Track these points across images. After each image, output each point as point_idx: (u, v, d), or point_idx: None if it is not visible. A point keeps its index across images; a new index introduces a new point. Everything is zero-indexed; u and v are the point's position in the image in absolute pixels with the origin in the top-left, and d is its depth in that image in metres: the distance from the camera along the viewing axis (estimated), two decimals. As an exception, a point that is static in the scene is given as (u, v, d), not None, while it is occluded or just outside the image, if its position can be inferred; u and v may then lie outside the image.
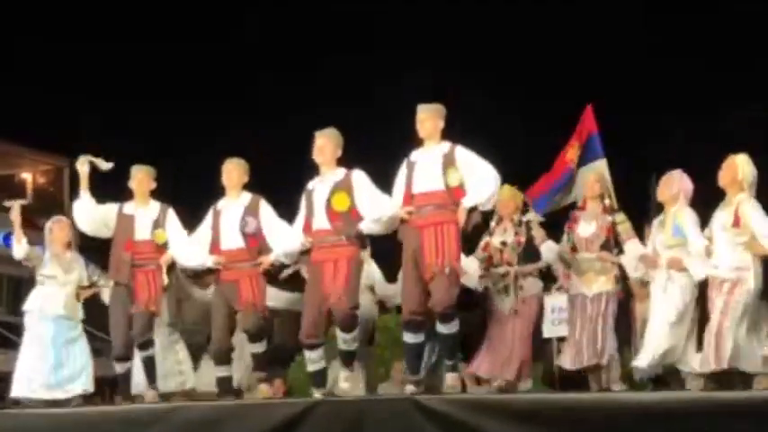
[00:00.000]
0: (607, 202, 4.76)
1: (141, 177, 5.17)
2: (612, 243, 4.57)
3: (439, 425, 3.84)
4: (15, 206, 5.43)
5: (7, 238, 5.85)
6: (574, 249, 4.66)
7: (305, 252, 4.62)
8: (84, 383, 5.35)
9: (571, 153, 6.25)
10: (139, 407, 4.86)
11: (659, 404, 3.71)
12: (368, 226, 4.46)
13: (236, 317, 4.86)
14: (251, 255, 4.77)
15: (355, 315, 4.47)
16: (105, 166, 5.24)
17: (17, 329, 6.29)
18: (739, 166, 4.03)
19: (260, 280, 4.81)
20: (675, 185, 4.35)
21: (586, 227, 4.63)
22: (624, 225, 4.57)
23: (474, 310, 4.91)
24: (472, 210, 4.29)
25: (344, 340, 4.51)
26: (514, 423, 3.75)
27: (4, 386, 6.15)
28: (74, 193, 5.70)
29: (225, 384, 4.91)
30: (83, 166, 5.18)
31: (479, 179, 4.30)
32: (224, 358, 4.86)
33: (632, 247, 4.51)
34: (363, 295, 4.91)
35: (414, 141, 4.54)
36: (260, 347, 4.83)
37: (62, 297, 5.38)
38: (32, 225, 6.37)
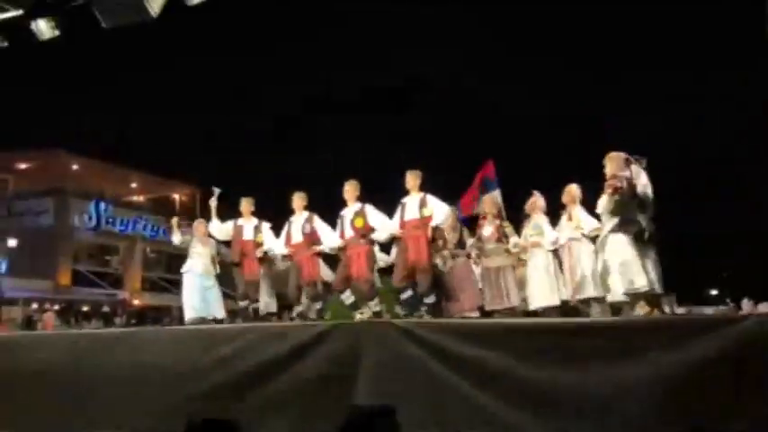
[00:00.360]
0: (495, 213, 7.91)
1: (246, 203, 8.68)
2: (502, 238, 7.63)
3: (407, 338, 6.24)
4: (174, 220, 9.47)
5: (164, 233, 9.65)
6: (480, 242, 7.74)
7: (342, 248, 7.77)
8: (217, 311, 8.70)
9: (476, 185, 9.76)
10: (233, 326, 7.66)
11: (549, 325, 6.09)
12: (378, 236, 7.72)
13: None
14: (308, 246, 7.96)
15: (372, 284, 7.51)
16: (218, 190, 8.69)
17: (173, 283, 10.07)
18: (573, 190, 7.29)
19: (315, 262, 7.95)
20: (536, 203, 7.56)
21: (488, 228, 7.71)
22: (509, 228, 7.84)
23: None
24: (435, 228, 7.43)
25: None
26: (456, 338, 6.06)
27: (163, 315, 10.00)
28: (203, 207, 9.27)
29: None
30: (212, 202, 8.76)
31: (439, 211, 7.40)
32: (296, 302, 8.19)
33: (513, 238, 7.54)
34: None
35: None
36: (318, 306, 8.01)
37: (202, 263, 8.69)
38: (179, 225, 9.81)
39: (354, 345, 6.42)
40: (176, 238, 9.04)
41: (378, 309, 7.57)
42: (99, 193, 28.89)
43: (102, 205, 28.20)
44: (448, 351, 5.98)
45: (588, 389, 5.38)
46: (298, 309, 8.30)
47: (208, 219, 8.92)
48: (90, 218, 27.82)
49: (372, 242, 7.73)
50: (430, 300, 7.36)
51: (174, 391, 6.72)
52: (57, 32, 8.18)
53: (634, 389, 5.27)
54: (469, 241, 7.98)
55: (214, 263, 8.83)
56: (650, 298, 6.10)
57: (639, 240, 6.06)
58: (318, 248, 7.98)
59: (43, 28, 8.13)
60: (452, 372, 5.88)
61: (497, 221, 7.77)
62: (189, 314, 8.56)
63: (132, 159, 28.54)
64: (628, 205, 6.14)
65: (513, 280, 7.47)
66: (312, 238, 7.97)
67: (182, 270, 8.91)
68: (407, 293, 7.41)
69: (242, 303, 8.53)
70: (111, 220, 28.43)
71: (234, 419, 1.68)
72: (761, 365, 4.99)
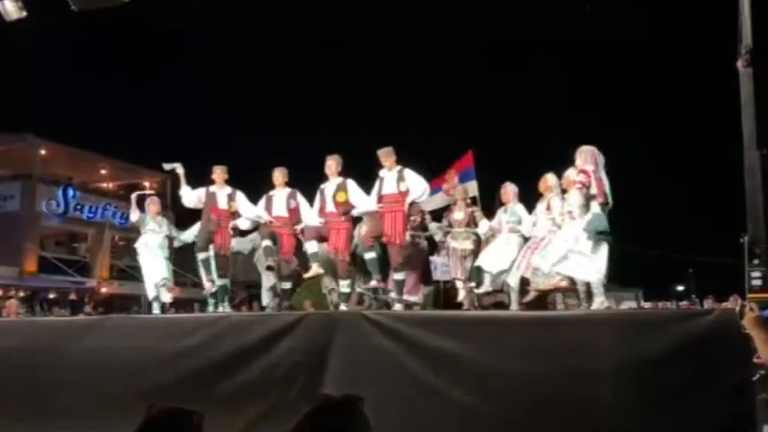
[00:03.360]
0: (469, 201, 8.00)
1: (219, 171, 8.24)
2: (472, 223, 7.73)
3: (377, 328, 6.29)
4: (134, 196, 9.00)
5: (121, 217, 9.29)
6: (450, 226, 7.82)
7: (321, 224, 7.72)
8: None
9: (450, 175, 9.56)
10: (201, 315, 7.59)
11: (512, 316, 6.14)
12: (358, 211, 7.62)
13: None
14: (291, 222, 7.83)
15: (348, 263, 7.55)
16: (172, 167, 8.44)
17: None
18: (550, 179, 7.13)
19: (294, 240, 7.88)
20: (509, 192, 7.57)
21: (459, 213, 7.82)
22: (479, 213, 7.86)
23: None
24: (412, 203, 7.34)
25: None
26: (425, 329, 6.14)
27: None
28: (174, 190, 8.80)
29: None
30: (178, 170, 8.39)
31: (416, 186, 7.33)
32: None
33: (484, 222, 7.75)
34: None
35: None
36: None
37: (156, 239, 8.51)
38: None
39: (324, 334, 6.46)
40: (134, 215, 8.73)
41: (347, 290, 7.59)
42: (67, 178, 28.44)
43: (71, 191, 27.68)
44: (417, 342, 6.06)
45: (550, 380, 5.48)
46: (269, 283, 8.06)
47: (177, 187, 8.53)
48: (57, 204, 27.30)
49: (352, 219, 7.69)
50: (400, 276, 7.38)
51: (141, 379, 6.66)
52: (24, 13, 7.99)
53: (594, 381, 5.39)
54: (432, 225, 8.08)
55: (170, 244, 8.66)
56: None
57: (602, 234, 6.17)
58: (301, 227, 7.82)
59: (10, 8, 7.93)
60: (421, 362, 5.96)
61: (469, 208, 7.91)
62: (153, 278, 8.28)
63: (102, 145, 28.11)
64: (591, 200, 6.26)
65: (471, 264, 7.62)
66: (295, 214, 7.84)
67: (135, 245, 8.69)
68: (371, 254, 7.41)
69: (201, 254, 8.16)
70: (79, 206, 27.95)
71: (195, 408, 1.65)
72: (723, 357, 5.11)
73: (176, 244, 8.87)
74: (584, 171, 6.24)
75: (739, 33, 5.27)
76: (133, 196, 8.95)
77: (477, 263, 7.44)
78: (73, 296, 25.27)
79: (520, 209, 7.48)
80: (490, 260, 7.33)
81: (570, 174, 6.62)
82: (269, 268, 7.69)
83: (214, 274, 8.12)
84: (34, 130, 26.60)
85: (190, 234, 8.81)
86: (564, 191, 7.04)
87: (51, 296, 25.61)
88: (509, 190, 7.64)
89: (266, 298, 8.25)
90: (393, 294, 7.50)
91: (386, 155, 7.46)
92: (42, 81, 30.21)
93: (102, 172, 30.74)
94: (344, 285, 7.55)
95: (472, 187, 9.68)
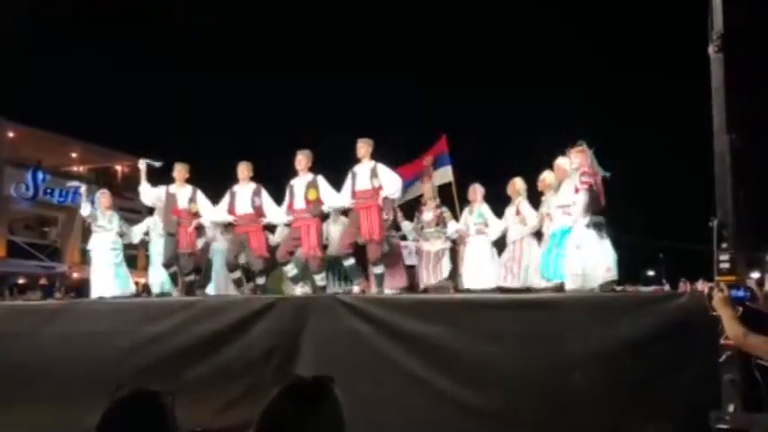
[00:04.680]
0: (438, 202, 8.06)
1: (180, 169, 8.06)
2: (441, 223, 7.80)
3: (351, 312, 6.31)
4: (84, 188, 8.86)
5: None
6: (422, 228, 7.91)
7: (287, 224, 7.70)
8: (127, 287, 8.49)
9: (427, 161, 9.63)
10: (175, 298, 7.54)
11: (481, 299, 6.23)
12: (326, 209, 7.60)
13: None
14: (256, 218, 7.67)
15: (321, 257, 7.42)
16: (157, 164, 8.12)
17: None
18: (518, 183, 7.38)
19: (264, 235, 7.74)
20: (477, 192, 7.72)
21: (428, 214, 7.87)
22: (448, 213, 7.95)
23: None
24: (386, 199, 7.27)
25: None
26: (399, 312, 6.18)
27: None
28: (148, 179, 8.58)
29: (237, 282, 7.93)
30: (142, 165, 8.36)
31: (390, 182, 7.27)
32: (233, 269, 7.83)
33: (452, 224, 7.76)
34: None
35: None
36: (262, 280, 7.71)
37: (107, 238, 8.39)
38: (122, 198, 9.47)
39: (299, 318, 6.47)
40: (85, 209, 8.45)
41: (323, 283, 7.58)
42: (36, 161, 27.93)
43: (40, 175, 27.22)
44: (390, 325, 6.09)
45: (525, 363, 5.55)
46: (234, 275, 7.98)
47: (137, 183, 8.45)
48: (27, 187, 26.82)
49: (322, 216, 7.64)
50: (379, 270, 7.36)
51: (114, 364, 6.59)
52: None
53: (568, 363, 5.45)
54: (404, 223, 8.12)
55: (124, 235, 8.55)
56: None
57: (602, 232, 6.21)
58: (266, 221, 7.77)
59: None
60: (394, 345, 6.00)
61: (438, 209, 7.93)
62: (99, 293, 8.17)
63: (73, 128, 27.60)
64: (595, 200, 6.28)
65: (449, 263, 7.71)
66: (261, 210, 7.72)
67: (87, 247, 8.55)
68: (350, 261, 7.39)
69: (169, 270, 8.07)
70: (49, 190, 27.46)
71: (163, 390, 1.61)
72: (692, 339, 5.20)
73: (124, 240, 8.68)
74: (587, 172, 6.23)
75: (711, 19, 5.31)
76: (83, 189, 8.82)
77: (462, 286, 7.63)
78: (43, 281, 24.93)
79: (486, 209, 7.64)
80: (475, 280, 7.51)
81: (563, 163, 6.56)
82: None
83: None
84: (1, 112, 26.04)
85: (138, 232, 8.72)
86: (541, 192, 7.16)
87: (21, 281, 25.22)
88: (477, 190, 7.77)
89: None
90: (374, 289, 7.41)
91: (365, 145, 7.39)
92: (9, 61, 29.51)
93: (73, 155, 30.20)
94: (319, 279, 7.52)
95: (447, 173, 9.62)
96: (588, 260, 6.08)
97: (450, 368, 5.75)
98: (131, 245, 9.32)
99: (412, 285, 8.17)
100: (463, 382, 5.68)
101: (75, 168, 30.89)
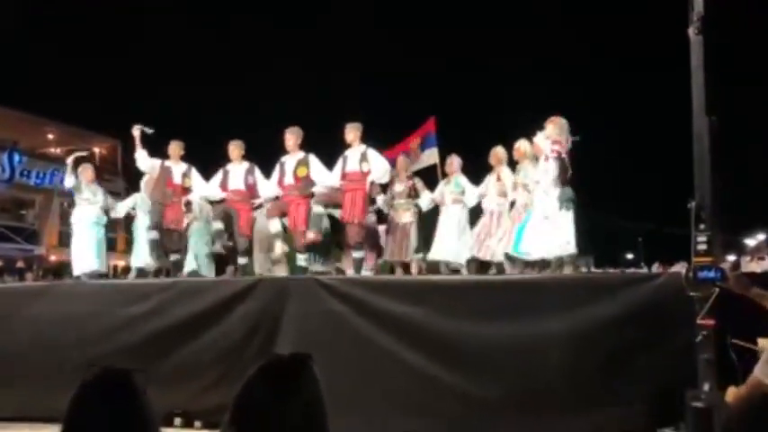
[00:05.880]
0: (410, 173, 7.95)
1: (174, 146, 8.03)
2: (413, 194, 7.68)
3: (330, 293, 6.33)
4: (70, 159, 8.34)
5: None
6: (392, 198, 7.76)
7: (277, 197, 7.58)
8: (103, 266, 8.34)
9: (414, 143, 9.72)
10: (153, 280, 7.48)
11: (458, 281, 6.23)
12: (319, 188, 7.50)
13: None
14: (249, 197, 7.68)
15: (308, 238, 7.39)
16: (149, 130, 7.97)
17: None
18: (500, 152, 7.31)
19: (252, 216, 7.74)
20: (455, 163, 7.67)
21: (399, 185, 7.74)
22: (420, 183, 7.86)
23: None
24: (372, 183, 7.34)
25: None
26: (377, 293, 6.22)
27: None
28: (127, 156, 8.42)
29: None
30: (136, 132, 8.06)
31: (378, 167, 7.31)
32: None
33: (426, 194, 7.73)
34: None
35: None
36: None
37: (92, 212, 8.20)
38: (101, 180, 9.26)
39: (279, 298, 6.49)
40: (69, 180, 8.20)
41: (305, 264, 7.52)
42: (12, 143, 27.49)
43: (17, 156, 26.81)
44: (369, 306, 6.14)
45: (503, 343, 5.60)
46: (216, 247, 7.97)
47: (133, 149, 8.18)
48: (3, 169, 26.44)
49: (312, 195, 7.57)
50: (359, 254, 7.38)
51: (93, 345, 6.56)
52: None
53: (546, 343, 5.51)
54: (379, 197, 7.96)
55: (107, 216, 8.41)
56: (573, 259, 6.38)
57: (571, 204, 6.23)
58: (258, 201, 7.75)
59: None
60: (372, 325, 6.05)
61: (410, 180, 7.80)
62: (81, 268, 8.01)
63: (50, 109, 27.15)
64: (565, 169, 6.30)
65: (415, 237, 7.64)
66: (253, 189, 7.71)
67: (71, 220, 8.38)
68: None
69: (150, 235, 7.90)
70: (26, 172, 27.06)
71: (135, 368, 1.57)
72: (669, 319, 5.28)
73: (111, 215, 8.55)
74: (558, 141, 6.27)
75: (691, 1, 5.32)
76: (69, 160, 8.41)
77: (431, 256, 7.50)
78: (21, 264, 24.65)
79: (463, 180, 7.59)
80: (446, 251, 7.38)
81: (539, 140, 6.52)
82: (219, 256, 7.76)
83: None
84: (-24, 93, 25.57)
85: (123, 207, 8.59)
86: (515, 162, 7.15)
87: (-2, 264, 24.93)
88: (454, 161, 7.73)
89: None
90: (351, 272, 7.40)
91: (353, 129, 7.40)
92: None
93: (50, 136, 29.77)
94: (302, 259, 7.46)
95: (433, 154, 9.63)
96: (553, 231, 6.20)
97: (428, 347, 5.81)
98: (112, 226, 9.14)
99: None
100: (442, 361, 5.73)
101: (52, 150, 30.49)
